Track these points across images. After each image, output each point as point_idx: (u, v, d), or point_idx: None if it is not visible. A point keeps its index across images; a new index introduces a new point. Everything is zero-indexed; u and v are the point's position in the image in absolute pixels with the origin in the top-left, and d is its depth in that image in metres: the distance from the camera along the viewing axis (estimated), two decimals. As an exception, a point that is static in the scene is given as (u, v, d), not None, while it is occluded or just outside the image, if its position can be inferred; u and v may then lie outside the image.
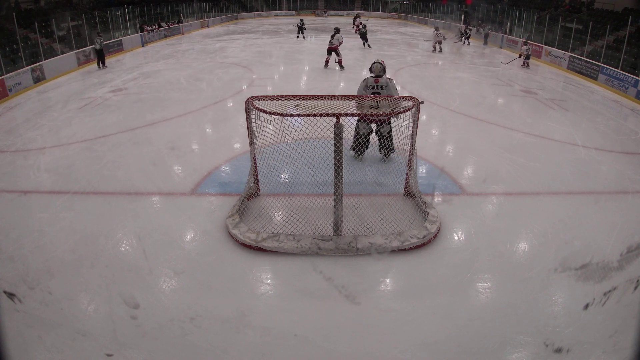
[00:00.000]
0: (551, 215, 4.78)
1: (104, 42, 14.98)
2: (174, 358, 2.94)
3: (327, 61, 13.25)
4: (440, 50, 17.28)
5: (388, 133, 5.52)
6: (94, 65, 14.64)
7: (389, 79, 5.83)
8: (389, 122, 5.34)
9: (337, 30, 12.95)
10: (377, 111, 4.75)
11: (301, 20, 21.73)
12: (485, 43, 20.49)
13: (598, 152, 6.78)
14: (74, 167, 6.05)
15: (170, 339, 3.05)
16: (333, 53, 12.98)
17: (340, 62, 13.01)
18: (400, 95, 6.08)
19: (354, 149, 5.63)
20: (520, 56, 15.08)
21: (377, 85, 5.70)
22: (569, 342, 3.00)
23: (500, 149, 6.68)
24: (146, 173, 5.80)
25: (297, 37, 20.91)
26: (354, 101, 4.86)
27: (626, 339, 2.85)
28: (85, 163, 6.17)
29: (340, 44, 12.96)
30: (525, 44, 15.49)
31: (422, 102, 5.68)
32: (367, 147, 5.50)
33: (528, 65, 14.66)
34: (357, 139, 5.45)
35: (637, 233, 4.47)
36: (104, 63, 14.35)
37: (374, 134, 5.74)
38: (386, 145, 5.64)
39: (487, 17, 22.58)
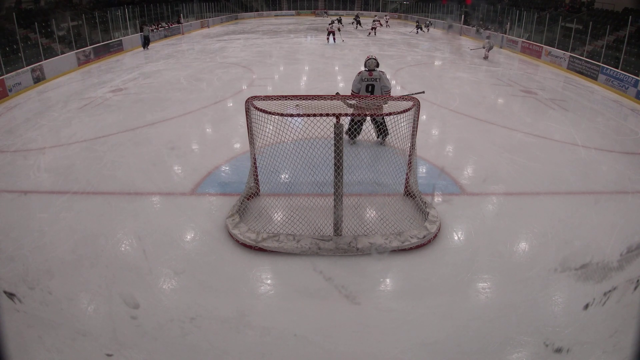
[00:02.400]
0: (551, 215, 4.78)
1: (152, 31, 20.22)
2: (174, 358, 2.94)
3: (333, 39, 19.89)
4: (375, 33, 23.16)
5: (382, 119, 6.03)
6: (94, 65, 14.81)
7: (381, 71, 6.31)
8: (382, 109, 5.43)
9: (332, 22, 20.76)
10: (377, 111, 4.99)
11: (340, 17, 27.68)
12: (447, 32, 25.85)
13: (598, 152, 6.78)
14: (74, 167, 6.05)
15: (170, 339, 3.06)
16: (331, 35, 19.90)
17: (334, 39, 19.95)
18: (391, 83, 6.89)
19: (347, 133, 6.06)
20: (483, 47, 16.38)
21: (371, 78, 6.24)
22: (569, 342, 3.00)
23: (500, 149, 6.68)
24: (146, 173, 5.80)
25: (338, 28, 27.03)
26: (351, 92, 6.19)
27: (626, 339, 2.85)
28: (85, 163, 6.16)
29: (337, 29, 20.69)
30: (488, 37, 16.91)
31: (423, 92, 6.33)
32: (359, 133, 6.10)
33: (486, 57, 16.10)
34: (352, 125, 5.97)
35: (637, 233, 4.47)
36: (147, 46, 18.90)
37: (368, 121, 6.35)
38: (382, 129, 6.23)
39: (487, 17, 22.59)
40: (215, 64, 14.33)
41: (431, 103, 9.04)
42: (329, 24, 20.22)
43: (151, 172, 5.82)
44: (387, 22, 26.51)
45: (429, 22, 26.59)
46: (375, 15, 24.94)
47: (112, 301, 3.43)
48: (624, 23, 13.12)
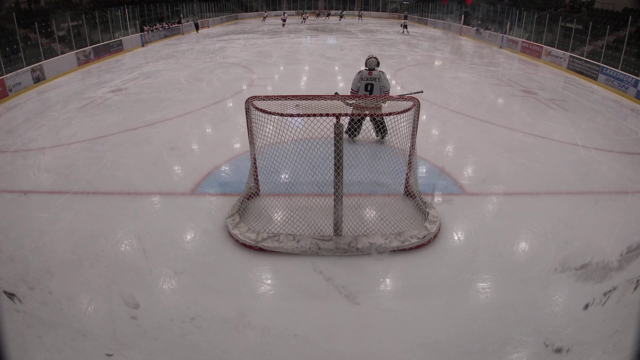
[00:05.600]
0: (551, 215, 4.78)
1: (198, 20, 26.79)
2: (174, 358, 2.94)
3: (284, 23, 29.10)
4: (305, 21, 32.16)
5: (381, 118, 6.06)
6: (94, 65, 14.90)
7: (381, 71, 6.34)
8: (381, 109, 5.44)
9: (284, 14, 31.37)
10: (376, 111, 5.15)
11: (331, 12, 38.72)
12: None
13: (598, 152, 6.78)
14: (74, 167, 6.05)
15: (170, 339, 3.05)
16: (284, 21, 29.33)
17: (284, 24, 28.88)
18: (391, 83, 6.97)
19: (347, 132, 6.08)
20: (401, 25, 25.20)
21: (370, 77, 6.28)
22: (569, 342, 2.99)
23: (500, 149, 6.68)
24: (146, 173, 5.80)
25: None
26: (350, 91, 6.41)
27: (626, 339, 2.85)
28: (85, 163, 6.16)
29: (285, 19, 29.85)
30: (405, 17, 27.22)
31: (421, 92, 6.49)
32: (359, 132, 6.17)
33: (403, 32, 24.55)
34: (352, 124, 6.04)
35: (637, 233, 4.47)
36: (198, 30, 25.70)
37: (367, 120, 6.41)
38: (381, 128, 6.22)
39: (487, 17, 22.61)
40: (215, 64, 14.33)
41: (431, 103, 9.04)
42: (283, 14, 31.44)
43: (151, 172, 5.82)
44: (306, 16, 35.25)
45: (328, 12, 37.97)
46: (305, 12, 35.24)
47: (112, 301, 3.42)
48: (624, 23, 13.11)
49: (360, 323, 3.24)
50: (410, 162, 4.74)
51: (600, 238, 4.34)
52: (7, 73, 10.88)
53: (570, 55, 14.30)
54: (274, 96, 4.21)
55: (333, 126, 3.83)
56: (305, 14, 34.85)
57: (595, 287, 3.64)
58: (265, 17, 34.92)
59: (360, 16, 37.59)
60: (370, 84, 6.26)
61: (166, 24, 23.35)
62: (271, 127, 4.23)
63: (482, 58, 17.29)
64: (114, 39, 17.54)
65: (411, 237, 4.08)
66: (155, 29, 21.65)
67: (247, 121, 4.46)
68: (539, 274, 3.77)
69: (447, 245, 4.19)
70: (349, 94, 6.59)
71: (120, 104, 9.49)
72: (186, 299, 3.47)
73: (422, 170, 5.81)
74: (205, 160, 6.15)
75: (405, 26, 25.14)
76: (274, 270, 3.84)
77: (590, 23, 14.35)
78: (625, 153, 6.86)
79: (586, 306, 3.31)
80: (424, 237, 4.11)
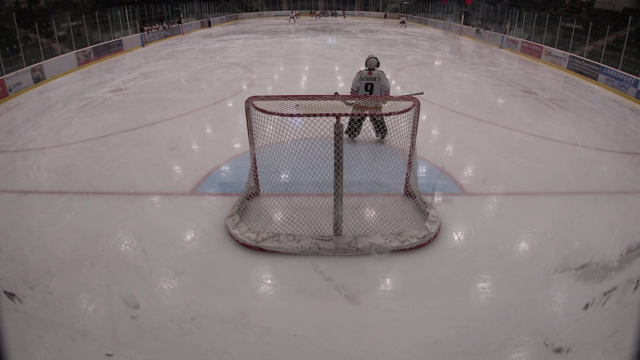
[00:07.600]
0: (551, 215, 4.78)
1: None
2: (174, 358, 2.94)
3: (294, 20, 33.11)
4: (295, 20, 33.61)
5: (381, 118, 6.07)
6: (94, 65, 14.91)
7: (381, 71, 6.35)
8: (381, 109, 5.44)
9: (292, 12, 34.92)
10: (376, 111, 5.17)
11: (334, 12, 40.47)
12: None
13: (598, 152, 6.78)
14: (74, 167, 6.05)
15: (170, 339, 3.06)
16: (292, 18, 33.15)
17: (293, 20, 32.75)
18: (391, 83, 6.99)
19: (347, 132, 6.06)
20: (401, 22, 29.45)
21: (370, 77, 6.28)
22: (569, 342, 3.00)
23: (500, 149, 6.68)
24: (146, 173, 5.80)
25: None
26: (350, 91, 6.44)
27: (626, 339, 2.86)
28: (85, 163, 6.16)
29: (294, 16, 34.15)
30: (403, 18, 31.05)
31: (422, 93, 6.51)
32: (359, 132, 6.14)
33: (402, 27, 28.47)
34: (352, 124, 6.04)
35: (637, 233, 4.47)
36: (210, 25, 28.80)
37: (367, 120, 6.42)
38: (381, 128, 6.22)
39: (487, 17, 22.60)
40: (215, 64, 14.33)
41: (431, 103, 9.04)
42: (292, 12, 34.97)
43: (151, 172, 5.82)
44: (296, 16, 36.21)
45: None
46: (292, 11, 36.03)
47: (112, 301, 3.43)
48: (624, 23, 13.11)
49: (360, 323, 3.24)
50: (410, 162, 4.74)
51: (600, 238, 4.34)
52: (7, 73, 10.88)
53: (570, 55, 14.30)
54: (274, 96, 4.21)
55: (333, 126, 3.84)
56: (318, 12, 39.10)
57: (595, 287, 3.64)
58: (291, 17, 34.25)
59: (344, 15, 39.97)
60: (370, 84, 6.27)
61: (166, 24, 23.34)
62: (271, 127, 4.23)
63: (482, 58, 17.29)
64: (114, 39, 17.54)
65: (411, 237, 4.08)
66: (155, 29, 21.66)
67: (247, 121, 4.46)
68: (539, 274, 3.78)
69: (447, 245, 4.19)
70: (349, 94, 6.59)
71: (120, 104, 9.49)
72: (186, 299, 3.47)
73: (422, 170, 5.81)
74: (205, 160, 6.15)
75: (403, 22, 29.96)
76: (274, 270, 3.84)
77: (590, 23, 14.35)
78: (625, 153, 6.86)
79: (586, 306, 3.31)
80: (424, 237, 4.11)
